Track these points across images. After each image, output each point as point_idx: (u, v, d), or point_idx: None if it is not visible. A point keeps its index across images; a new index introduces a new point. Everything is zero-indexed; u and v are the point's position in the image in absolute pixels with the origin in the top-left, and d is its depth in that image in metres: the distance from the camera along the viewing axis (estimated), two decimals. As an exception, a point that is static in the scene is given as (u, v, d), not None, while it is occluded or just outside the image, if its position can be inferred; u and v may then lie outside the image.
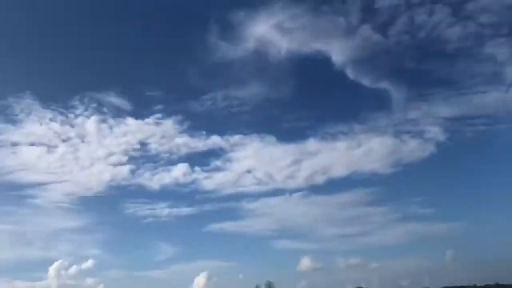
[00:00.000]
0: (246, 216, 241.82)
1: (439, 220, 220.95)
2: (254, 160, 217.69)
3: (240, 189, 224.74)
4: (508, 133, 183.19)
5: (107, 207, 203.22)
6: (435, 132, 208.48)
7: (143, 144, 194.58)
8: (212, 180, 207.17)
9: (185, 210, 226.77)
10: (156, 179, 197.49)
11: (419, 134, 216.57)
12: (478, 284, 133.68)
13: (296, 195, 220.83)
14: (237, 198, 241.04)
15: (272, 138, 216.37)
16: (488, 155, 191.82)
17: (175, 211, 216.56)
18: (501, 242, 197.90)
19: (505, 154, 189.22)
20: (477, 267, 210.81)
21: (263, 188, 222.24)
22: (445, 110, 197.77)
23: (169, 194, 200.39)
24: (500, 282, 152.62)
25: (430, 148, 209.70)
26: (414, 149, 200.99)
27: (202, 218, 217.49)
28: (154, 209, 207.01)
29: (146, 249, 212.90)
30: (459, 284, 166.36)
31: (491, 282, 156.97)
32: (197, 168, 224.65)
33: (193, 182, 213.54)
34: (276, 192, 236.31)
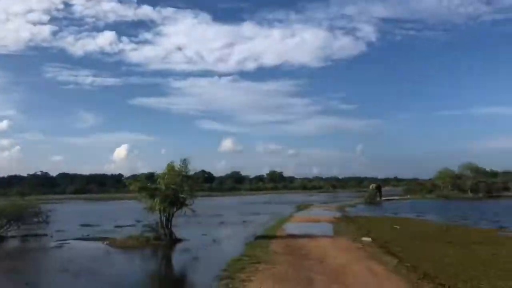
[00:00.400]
0: (173, 93, 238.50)
1: (356, 117, 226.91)
2: (186, 37, 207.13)
3: (169, 66, 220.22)
4: (435, 40, 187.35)
5: (25, 68, 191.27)
6: (368, 31, 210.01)
7: (67, 4, 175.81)
8: (140, 53, 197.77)
9: (109, 81, 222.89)
10: (80, 45, 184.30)
11: (352, 32, 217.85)
12: (380, 177, 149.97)
13: (225, 78, 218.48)
14: (164, 75, 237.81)
15: (207, 16, 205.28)
16: (414, 60, 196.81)
17: (99, 80, 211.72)
18: (406, 142, 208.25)
19: (429, 61, 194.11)
20: (381, 162, 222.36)
21: (192, 67, 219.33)
22: (380, 10, 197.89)
23: (93, 62, 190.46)
24: (398, 177, 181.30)
25: (361, 47, 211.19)
26: (345, 46, 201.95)
27: (127, 91, 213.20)
28: (76, 76, 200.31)
29: (66, 116, 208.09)
30: (363, 176, 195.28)
31: (391, 176, 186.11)
32: (124, 39, 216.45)
33: (120, 52, 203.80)
34: (205, 73, 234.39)
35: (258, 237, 22.16)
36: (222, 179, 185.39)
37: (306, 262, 14.85)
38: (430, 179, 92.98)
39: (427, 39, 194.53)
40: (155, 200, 20.98)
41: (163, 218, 21.79)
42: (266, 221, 32.84)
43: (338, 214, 38.09)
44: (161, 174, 21.79)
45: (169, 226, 21.90)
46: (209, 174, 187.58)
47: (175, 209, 21.97)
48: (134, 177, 22.33)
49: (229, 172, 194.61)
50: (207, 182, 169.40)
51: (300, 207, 50.81)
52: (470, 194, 73.36)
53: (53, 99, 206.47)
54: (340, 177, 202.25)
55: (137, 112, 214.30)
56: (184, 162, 22.04)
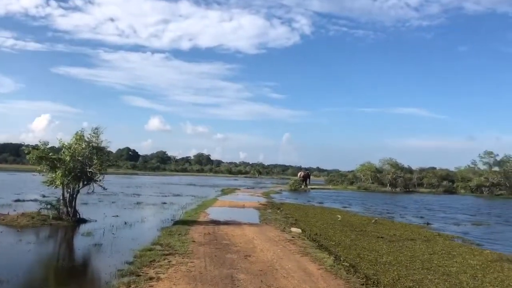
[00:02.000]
0: (101, 66, 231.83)
1: (286, 106, 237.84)
2: (120, 8, 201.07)
3: (99, 37, 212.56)
4: (365, 39, 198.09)
5: None
6: (303, 23, 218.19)
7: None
8: (69, 20, 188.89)
9: (33, 46, 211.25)
10: (1, 4, 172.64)
11: (289, 22, 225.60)
12: (303, 166, 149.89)
13: (158, 55, 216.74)
14: (94, 45, 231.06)
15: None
16: (343, 56, 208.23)
17: (20, 44, 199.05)
18: (330, 135, 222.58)
19: (357, 58, 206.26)
20: (305, 152, 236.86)
21: (124, 40, 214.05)
22: (317, 4, 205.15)
23: (15, 24, 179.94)
24: (321, 167, 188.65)
25: (295, 38, 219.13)
26: (281, 35, 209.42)
27: (51, 58, 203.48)
28: None
29: None
30: (287, 164, 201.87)
31: (314, 166, 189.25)
32: (52, 3, 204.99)
33: (47, 17, 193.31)
34: (138, 48, 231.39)
35: (177, 222, 19.46)
36: (147, 158, 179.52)
37: (228, 256, 12.46)
38: (351, 171, 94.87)
39: (358, 37, 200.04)
40: (57, 173, 17.49)
41: (66, 195, 18.37)
42: (188, 203, 30.13)
43: (264, 200, 36.27)
44: (67, 144, 18.28)
45: (73, 204, 18.50)
46: (134, 151, 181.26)
47: (81, 185, 18.60)
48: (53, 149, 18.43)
49: (154, 151, 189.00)
50: (131, 160, 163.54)
51: (225, 191, 48.58)
52: (389, 188, 75.42)
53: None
54: (265, 163, 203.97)
55: (61, 82, 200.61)
56: (96, 131, 18.67)
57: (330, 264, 11.74)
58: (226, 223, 19.91)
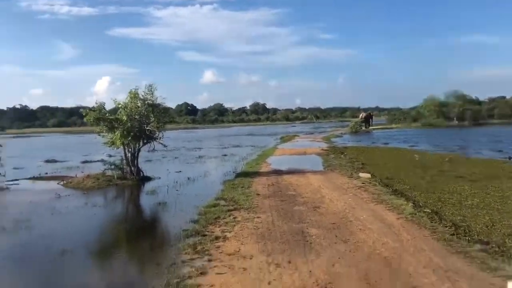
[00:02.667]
0: (153, 23, 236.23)
1: (338, 46, 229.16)
2: None
3: None
4: None
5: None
6: None
7: None
8: None
9: (86, 10, 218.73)
10: None
11: None
12: (361, 107, 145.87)
13: (206, 7, 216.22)
14: (144, 4, 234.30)
15: None
16: None
17: (75, 10, 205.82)
18: (388, 71, 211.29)
19: None
20: (363, 92, 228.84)
21: None
22: None
23: None
24: (380, 106, 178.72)
25: None
26: None
27: (105, 21, 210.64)
28: (52, 5, 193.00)
29: (43, 48, 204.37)
30: (345, 106, 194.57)
31: (372, 106, 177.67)
32: None
33: None
34: (186, 2, 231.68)
35: (239, 174, 18.91)
36: (205, 111, 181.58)
37: (296, 208, 11.64)
38: (414, 108, 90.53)
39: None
40: (116, 133, 17.26)
41: (128, 154, 18.24)
42: (248, 154, 29.65)
43: (325, 145, 35.07)
44: (122, 103, 17.91)
45: (136, 163, 18.41)
46: (192, 106, 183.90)
47: (141, 144, 18.37)
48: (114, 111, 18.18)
49: (212, 104, 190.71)
50: (190, 115, 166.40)
51: (284, 139, 47.77)
52: (455, 122, 71.22)
53: (28, 30, 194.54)
54: (322, 107, 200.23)
55: (117, 43, 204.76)
56: (150, 88, 18.12)
57: (410, 212, 10.59)
58: (289, 172, 19.10)
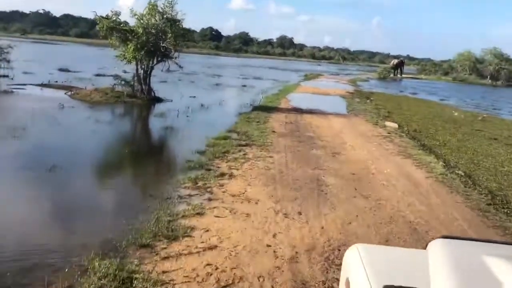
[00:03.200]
0: None
1: None
2: None
3: None
4: None
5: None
6: None
7: None
8: None
9: None
10: None
11: None
12: (392, 54, 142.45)
13: None
14: None
15: None
16: None
17: None
18: (425, 20, 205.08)
19: None
20: (395, 38, 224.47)
21: None
22: None
23: None
24: (411, 55, 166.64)
25: None
26: None
27: None
28: None
29: None
30: (375, 50, 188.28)
31: (403, 54, 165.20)
32: None
33: None
34: None
35: (256, 108, 17.76)
36: (229, 39, 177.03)
37: (313, 152, 10.58)
38: (446, 61, 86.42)
39: None
40: (129, 46, 16.00)
41: (141, 71, 17.12)
42: (269, 88, 28.29)
43: (350, 88, 33.41)
44: (139, 14, 16.48)
45: (148, 82, 17.32)
46: (217, 32, 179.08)
47: (155, 61, 17.17)
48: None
49: (237, 32, 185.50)
50: (214, 40, 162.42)
51: (308, 76, 45.93)
52: (489, 81, 67.82)
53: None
54: (351, 49, 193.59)
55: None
56: (171, 1, 16.56)
57: (440, 171, 9.44)
58: (310, 111, 17.89)
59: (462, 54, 75.13)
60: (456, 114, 21.17)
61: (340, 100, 23.96)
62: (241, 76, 38.56)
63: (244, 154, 9.75)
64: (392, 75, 58.97)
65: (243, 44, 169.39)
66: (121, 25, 16.26)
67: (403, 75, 63.19)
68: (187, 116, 14.70)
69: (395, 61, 65.17)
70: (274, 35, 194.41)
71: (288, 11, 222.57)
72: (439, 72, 77.89)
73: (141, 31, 15.95)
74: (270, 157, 9.67)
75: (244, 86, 28.56)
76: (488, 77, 69.13)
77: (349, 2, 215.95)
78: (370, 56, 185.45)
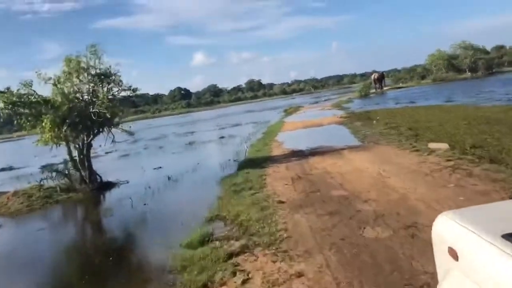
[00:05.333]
0: (138, 12, 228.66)
1: (329, 14, 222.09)
2: None
3: None
4: None
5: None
6: None
7: None
8: None
9: (68, 5, 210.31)
10: None
11: None
12: (358, 72, 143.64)
13: None
14: None
15: None
16: None
17: (56, 6, 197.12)
18: (381, 34, 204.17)
19: None
20: (358, 57, 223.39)
21: None
22: None
23: None
24: (376, 69, 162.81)
25: None
26: None
27: (88, 14, 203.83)
28: (32, 3, 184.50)
29: (29, 48, 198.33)
30: (341, 73, 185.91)
31: (369, 70, 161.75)
32: None
33: None
34: None
35: (243, 164, 12.79)
36: (199, 94, 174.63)
37: (370, 235, 5.51)
38: (416, 66, 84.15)
39: None
40: (44, 122, 10.98)
41: (75, 153, 12.08)
42: (251, 133, 23.45)
43: (340, 112, 28.73)
44: (55, 77, 11.60)
45: (87, 165, 12.23)
46: (186, 90, 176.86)
47: (91, 135, 12.16)
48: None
49: (206, 86, 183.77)
50: (184, 99, 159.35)
51: (289, 111, 41.32)
52: (468, 74, 64.61)
53: (11, 31, 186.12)
54: (318, 77, 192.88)
55: (103, 36, 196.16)
56: (94, 51, 11.75)
57: None
58: (315, 152, 12.97)
59: (433, 55, 72.33)
60: (488, 113, 16.51)
61: (340, 128, 19.17)
62: (218, 127, 33.78)
63: (243, 282, 4.63)
64: (376, 89, 55.13)
65: (214, 96, 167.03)
66: (31, 97, 11.24)
67: (384, 88, 59.52)
68: (145, 205, 9.56)
69: (376, 75, 61.60)
70: (242, 81, 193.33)
71: (249, 56, 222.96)
72: (416, 78, 74.76)
73: (60, 99, 10.99)
74: (298, 275, 4.57)
75: (222, 137, 23.67)
76: (467, 70, 66.03)
77: (304, 35, 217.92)
78: (338, 80, 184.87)
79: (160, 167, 14.94)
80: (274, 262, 5.05)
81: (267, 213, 7.02)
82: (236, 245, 5.81)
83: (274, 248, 5.47)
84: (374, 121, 18.92)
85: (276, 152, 14.37)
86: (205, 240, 6.13)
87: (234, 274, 4.91)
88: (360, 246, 5.15)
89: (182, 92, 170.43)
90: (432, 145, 10.74)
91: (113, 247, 7.35)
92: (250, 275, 4.80)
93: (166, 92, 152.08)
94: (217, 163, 13.90)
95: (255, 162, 12.58)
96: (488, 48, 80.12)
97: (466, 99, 25.97)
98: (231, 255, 5.44)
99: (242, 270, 4.97)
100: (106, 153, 21.71)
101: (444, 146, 10.42)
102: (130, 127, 13.12)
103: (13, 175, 19.10)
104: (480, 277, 1.84)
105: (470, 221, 2.03)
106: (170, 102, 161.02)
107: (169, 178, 12.30)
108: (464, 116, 16.44)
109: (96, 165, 13.54)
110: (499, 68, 68.41)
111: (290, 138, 17.94)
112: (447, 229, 2.14)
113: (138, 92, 12.71)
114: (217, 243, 6.00)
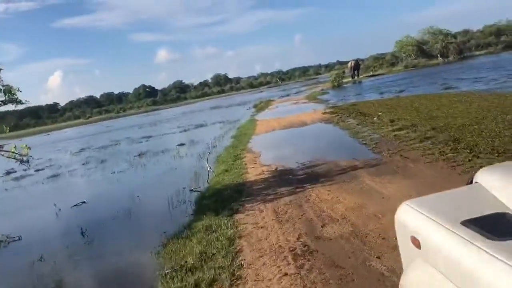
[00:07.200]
0: (98, 9, 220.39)
1: (291, 6, 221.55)
2: None
3: None
4: None
5: None
6: None
7: None
8: None
9: (25, 5, 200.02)
10: None
11: None
12: (323, 63, 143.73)
13: None
14: None
15: None
16: None
17: (12, 6, 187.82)
18: (343, 24, 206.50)
19: None
20: (322, 49, 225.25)
21: None
22: None
23: None
24: (340, 60, 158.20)
25: None
26: None
27: (47, 13, 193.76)
28: None
29: None
30: (306, 65, 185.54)
31: (333, 61, 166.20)
32: None
33: None
34: None
35: (203, 202, 8.01)
36: (165, 91, 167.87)
37: None
38: (384, 54, 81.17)
39: None
40: None
41: None
42: (218, 137, 18.60)
43: (321, 107, 24.21)
44: None
45: None
46: (151, 87, 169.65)
47: None
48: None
49: (171, 82, 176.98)
50: (150, 97, 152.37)
51: (259, 106, 36.55)
52: (440, 59, 61.62)
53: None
54: (284, 70, 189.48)
55: (64, 35, 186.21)
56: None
57: None
58: (311, 174, 8.33)
59: (401, 41, 69.07)
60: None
61: (330, 128, 14.60)
62: (179, 129, 28.71)
63: None
64: (351, 78, 51.23)
65: (180, 92, 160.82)
66: None
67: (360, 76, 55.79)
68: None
69: (352, 62, 57.65)
70: (208, 76, 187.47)
71: (214, 50, 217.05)
72: (385, 65, 71.49)
73: None
74: None
75: (182, 145, 18.69)
76: (439, 55, 63.03)
77: (268, 28, 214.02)
78: (304, 71, 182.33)
79: (84, 202, 9.97)
80: None
81: None
82: None
83: None
84: (375, 118, 14.38)
85: (252, 173, 9.62)
86: None
87: None
88: None
89: (147, 89, 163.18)
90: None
91: None
92: None
93: (131, 90, 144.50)
94: (166, 195, 9.01)
95: (221, 197, 7.83)
96: (454, 33, 77.81)
97: (470, 86, 21.85)
98: None
99: None
100: (26, 173, 16.57)
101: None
102: (27, 146, 8.07)
103: None
104: (442, 264, 1.82)
105: (431, 209, 2.03)
106: (135, 100, 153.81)
107: (82, 234, 7.38)
108: (492, 108, 12.18)
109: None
110: (469, 52, 65.85)
111: (267, 146, 13.25)
112: (409, 218, 2.11)
113: (28, 104, 7.91)
114: None
